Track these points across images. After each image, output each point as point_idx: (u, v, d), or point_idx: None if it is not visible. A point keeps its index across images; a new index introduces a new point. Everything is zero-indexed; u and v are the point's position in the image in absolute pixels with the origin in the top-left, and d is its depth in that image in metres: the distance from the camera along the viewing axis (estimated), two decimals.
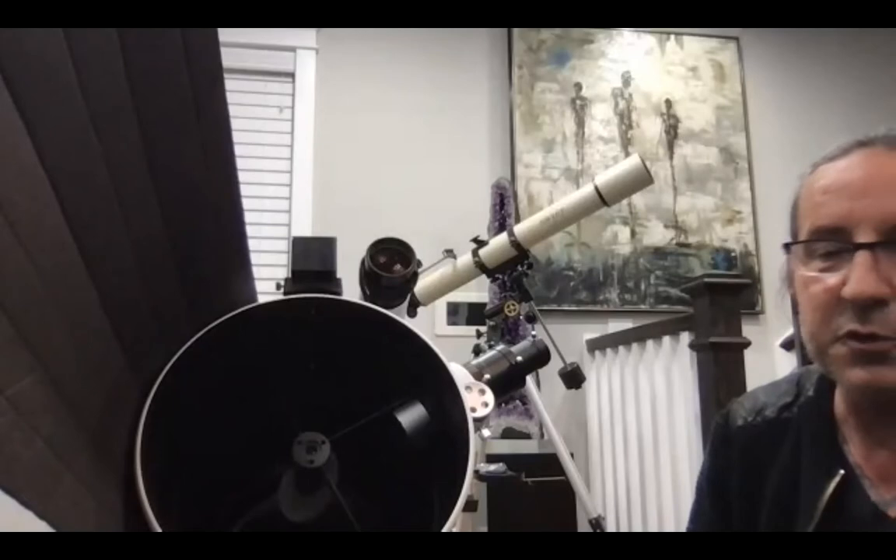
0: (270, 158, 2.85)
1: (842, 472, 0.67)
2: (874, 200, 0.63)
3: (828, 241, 0.65)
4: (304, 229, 2.76)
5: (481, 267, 2.05)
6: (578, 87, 3.10)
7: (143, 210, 0.48)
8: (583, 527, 2.33)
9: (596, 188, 1.90)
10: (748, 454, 0.78)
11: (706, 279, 1.80)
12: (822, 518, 0.66)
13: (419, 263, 0.64)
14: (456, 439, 0.51)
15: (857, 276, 0.61)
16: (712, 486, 0.81)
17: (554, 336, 1.79)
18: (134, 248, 0.47)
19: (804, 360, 1.28)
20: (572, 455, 2.12)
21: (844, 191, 0.65)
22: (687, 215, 3.07)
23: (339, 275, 0.60)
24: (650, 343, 2.26)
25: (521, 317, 2.20)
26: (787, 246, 0.71)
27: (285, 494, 0.49)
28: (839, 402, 0.72)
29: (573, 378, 1.88)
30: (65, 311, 0.40)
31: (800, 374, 0.79)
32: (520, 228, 2.03)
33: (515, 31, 3.06)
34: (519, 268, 2.05)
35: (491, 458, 2.15)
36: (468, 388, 0.58)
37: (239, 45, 2.77)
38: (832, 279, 0.64)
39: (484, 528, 2.32)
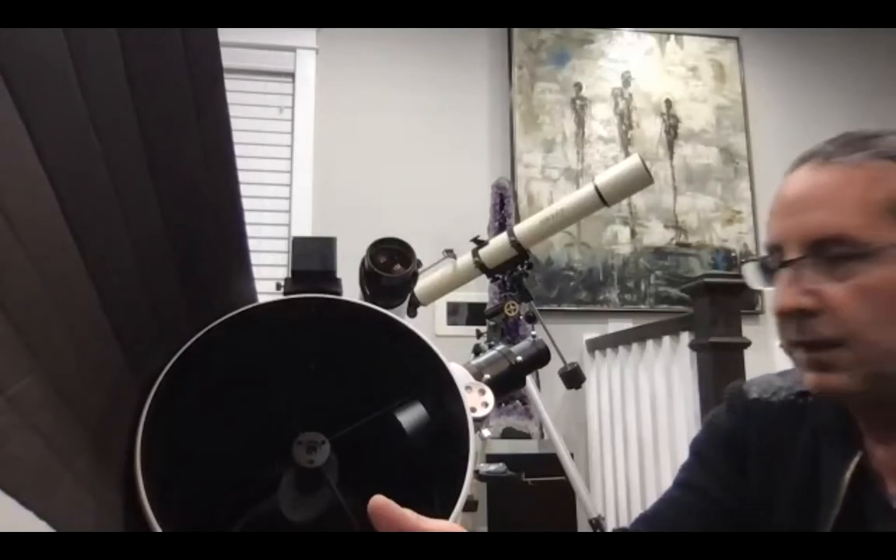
0: (270, 158, 2.85)
1: (860, 452, 0.69)
2: (798, 217, 0.67)
3: (765, 260, 0.71)
4: (304, 229, 2.76)
5: (481, 267, 2.05)
6: (578, 87, 3.10)
7: (143, 210, 0.48)
8: (583, 527, 2.33)
9: (596, 188, 1.90)
10: (767, 428, 0.78)
11: (706, 279, 1.80)
12: (843, 503, 0.68)
13: (419, 263, 0.64)
14: (456, 439, 0.51)
15: (779, 291, 0.67)
16: (731, 443, 0.81)
17: (554, 336, 1.79)
18: (134, 248, 0.47)
19: None
20: (572, 455, 2.12)
21: (780, 210, 0.70)
22: (687, 215, 3.07)
23: (339, 275, 0.60)
24: (650, 343, 2.26)
25: (521, 317, 2.20)
26: (740, 262, 0.78)
27: (285, 494, 0.49)
28: None
29: (573, 378, 1.88)
30: (65, 311, 0.40)
31: None
32: (520, 228, 2.03)
33: (515, 31, 3.06)
34: (519, 268, 2.05)
35: (491, 458, 2.15)
36: (468, 388, 0.58)
37: (239, 45, 2.77)
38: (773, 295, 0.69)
39: (484, 528, 2.32)
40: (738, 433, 0.80)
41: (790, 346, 0.69)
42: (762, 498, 0.76)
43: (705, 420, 0.86)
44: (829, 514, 0.68)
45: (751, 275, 0.74)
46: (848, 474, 0.68)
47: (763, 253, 0.73)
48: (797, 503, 0.73)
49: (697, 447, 0.85)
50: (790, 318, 0.66)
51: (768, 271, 0.71)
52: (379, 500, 0.43)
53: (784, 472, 0.75)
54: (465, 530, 0.43)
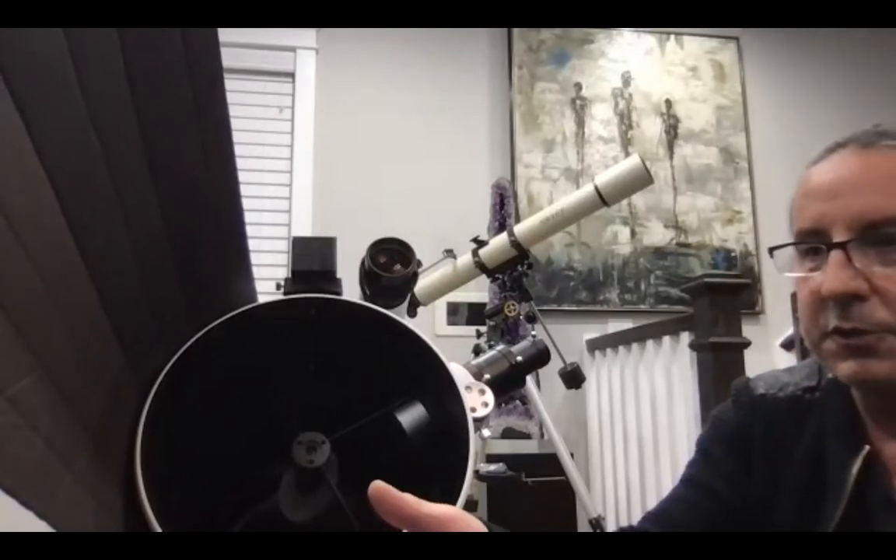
0: (270, 158, 2.85)
1: (867, 447, 0.69)
2: (845, 200, 0.65)
3: (806, 243, 0.69)
4: (304, 229, 2.76)
5: (481, 267, 2.05)
6: (578, 87, 3.10)
7: (143, 210, 0.48)
8: (583, 527, 2.33)
9: (596, 188, 1.91)
10: (773, 424, 0.78)
11: (706, 279, 1.81)
12: (850, 497, 0.67)
13: (419, 263, 0.64)
14: (456, 439, 0.51)
15: (831, 274, 0.64)
16: (737, 440, 0.80)
17: (554, 336, 1.79)
18: (134, 248, 0.47)
19: (804, 359, 1.28)
20: (572, 455, 2.12)
21: (819, 193, 0.68)
22: (687, 215, 3.07)
23: (339, 275, 0.60)
24: (650, 343, 2.26)
25: (521, 317, 2.20)
26: (770, 250, 0.74)
27: (285, 494, 0.49)
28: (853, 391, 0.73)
29: (573, 378, 1.88)
30: (65, 311, 0.40)
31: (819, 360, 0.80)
32: (520, 228, 2.03)
33: (515, 31, 3.06)
34: (519, 268, 2.05)
35: (491, 458, 2.15)
36: (468, 388, 0.58)
37: (239, 45, 2.77)
38: (816, 279, 0.67)
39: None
40: (744, 429, 0.80)
41: (823, 334, 0.67)
42: (765, 494, 0.76)
43: (711, 416, 0.86)
44: (835, 508, 0.68)
45: (783, 261, 0.71)
46: (855, 468, 0.68)
47: (792, 239, 0.71)
48: (801, 499, 0.73)
49: (703, 444, 0.85)
50: (834, 303, 0.64)
51: (807, 255, 0.69)
52: (378, 485, 0.43)
53: (788, 468, 0.75)
54: (466, 515, 0.43)
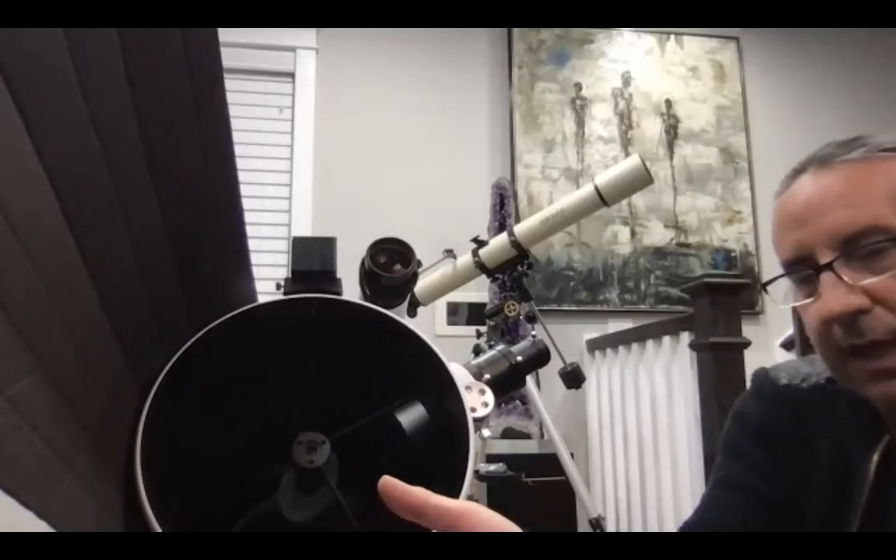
0: (270, 158, 2.85)
1: (887, 437, 0.68)
2: (820, 221, 0.65)
3: (794, 272, 0.69)
4: (304, 229, 2.76)
5: (481, 267, 2.06)
6: (578, 87, 3.10)
7: (143, 210, 0.48)
8: (583, 527, 2.33)
9: (596, 188, 1.91)
10: (799, 414, 0.77)
11: (706, 279, 1.81)
12: (871, 487, 0.67)
13: (419, 263, 0.64)
14: (456, 439, 0.51)
15: (827, 297, 0.64)
16: (763, 431, 0.80)
17: (554, 336, 1.79)
18: (134, 248, 0.47)
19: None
20: (572, 455, 2.12)
21: (792, 222, 0.68)
22: (687, 215, 3.07)
23: (339, 275, 0.60)
24: (650, 343, 2.26)
25: (521, 317, 2.20)
26: (762, 287, 0.74)
27: (285, 494, 0.49)
28: None
29: (573, 378, 1.88)
30: (65, 311, 0.40)
31: None
32: (520, 228, 2.03)
33: (515, 31, 3.06)
34: (519, 268, 2.05)
35: (491, 458, 2.15)
36: (468, 388, 0.58)
37: (239, 45, 2.77)
38: (815, 305, 0.66)
39: None
40: (769, 420, 0.79)
41: (842, 358, 0.66)
42: (798, 484, 0.76)
43: (732, 412, 0.85)
44: (860, 498, 0.68)
45: (784, 294, 0.71)
46: (876, 457, 0.68)
47: (779, 272, 0.71)
48: (831, 490, 0.73)
49: (729, 441, 0.84)
50: (840, 324, 0.64)
51: (801, 284, 0.68)
52: (385, 480, 0.44)
53: (818, 457, 0.74)
54: (480, 508, 0.43)
